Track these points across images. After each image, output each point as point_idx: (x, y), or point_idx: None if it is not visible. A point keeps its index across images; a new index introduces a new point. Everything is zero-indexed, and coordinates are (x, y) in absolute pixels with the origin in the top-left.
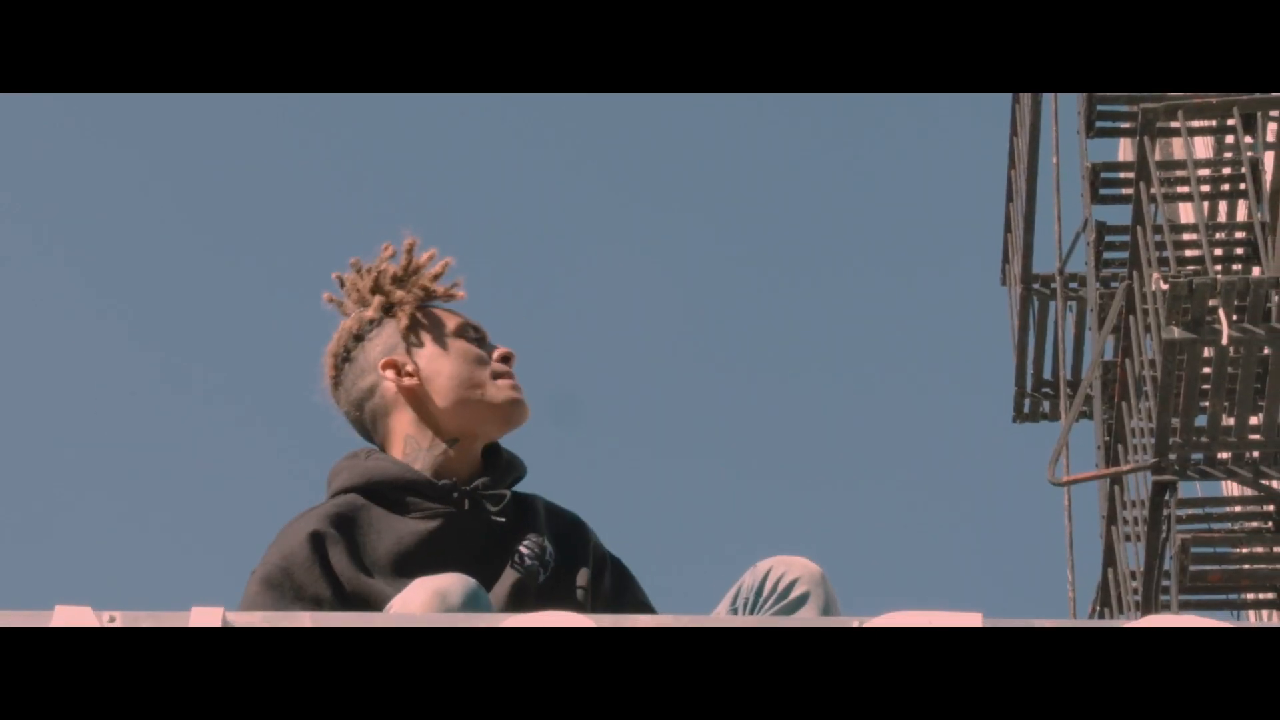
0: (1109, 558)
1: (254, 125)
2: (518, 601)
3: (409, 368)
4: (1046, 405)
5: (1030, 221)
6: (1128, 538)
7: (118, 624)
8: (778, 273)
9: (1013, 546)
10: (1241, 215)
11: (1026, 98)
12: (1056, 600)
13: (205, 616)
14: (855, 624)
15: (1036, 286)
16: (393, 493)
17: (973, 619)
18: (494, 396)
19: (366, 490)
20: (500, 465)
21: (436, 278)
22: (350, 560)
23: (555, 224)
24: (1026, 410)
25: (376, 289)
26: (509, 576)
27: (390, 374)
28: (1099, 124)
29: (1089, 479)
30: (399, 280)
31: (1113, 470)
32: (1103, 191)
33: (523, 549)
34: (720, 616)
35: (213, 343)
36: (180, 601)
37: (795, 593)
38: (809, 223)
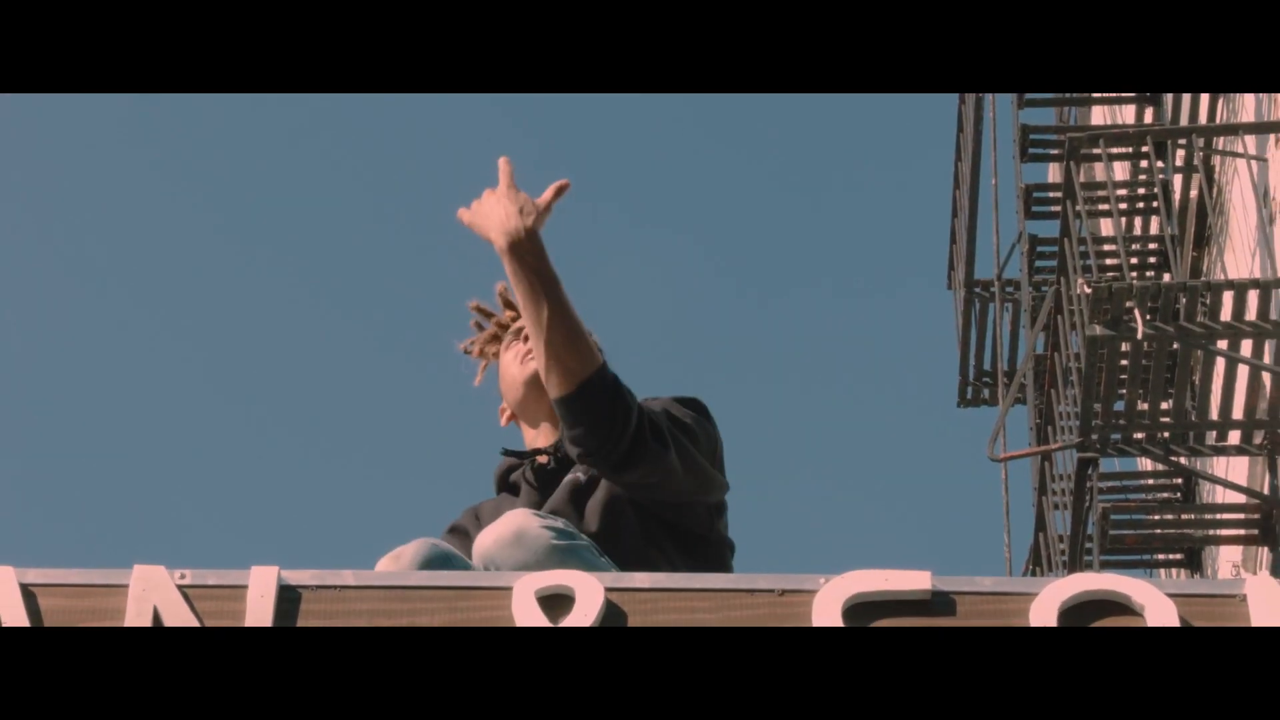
0: (1040, 524)
1: (262, 126)
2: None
3: (506, 383)
4: (986, 392)
5: (972, 234)
6: (1056, 506)
7: (188, 581)
8: (751, 275)
9: (957, 514)
10: (1154, 229)
11: (969, 127)
12: (994, 560)
13: (262, 574)
14: (822, 580)
15: (978, 290)
16: (507, 481)
17: (923, 577)
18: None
19: (499, 485)
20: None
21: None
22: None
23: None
24: (969, 397)
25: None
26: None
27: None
28: (1032, 150)
29: (1023, 456)
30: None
31: (1043, 448)
32: (1035, 208)
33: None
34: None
35: (257, 328)
36: (241, 561)
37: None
38: (782, 231)
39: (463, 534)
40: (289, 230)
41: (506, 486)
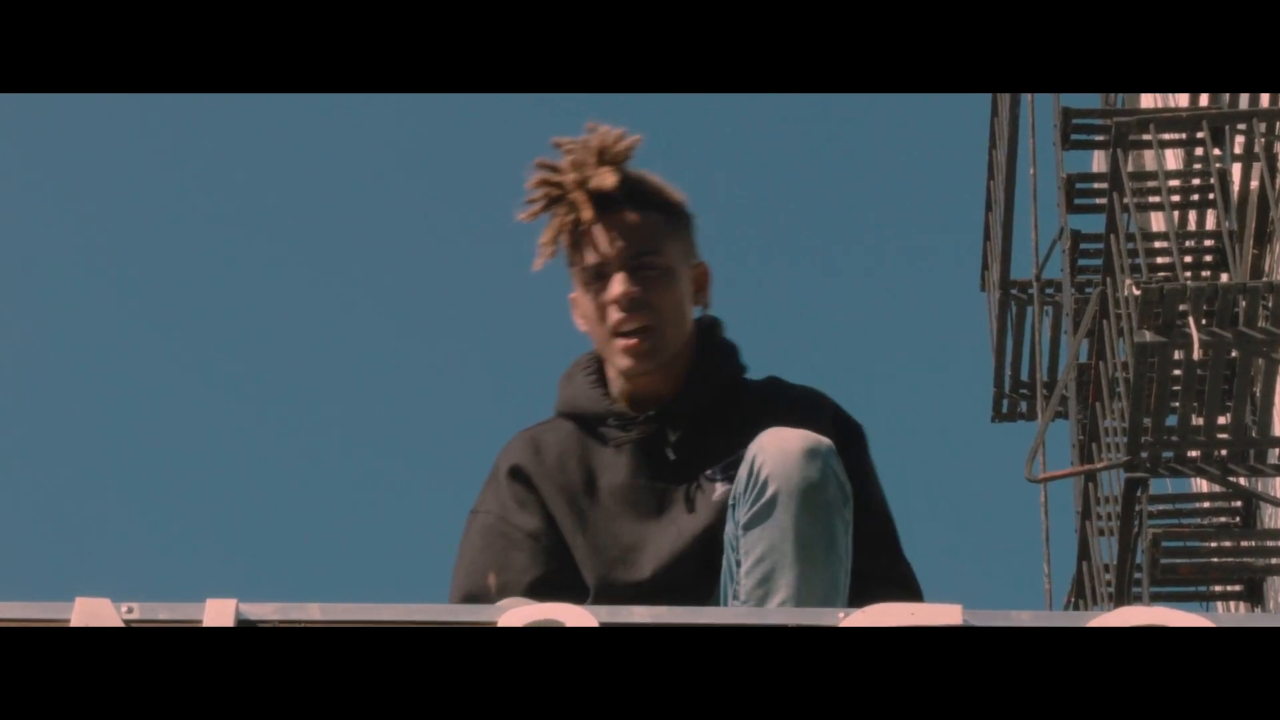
0: (1083, 551)
1: (264, 124)
2: (705, 527)
3: (578, 310)
4: (1024, 405)
5: (1008, 230)
6: (1101, 532)
7: (135, 616)
8: (768, 275)
9: (991, 541)
10: (1210, 224)
11: (1005, 112)
12: (1033, 592)
13: (219, 608)
14: (840, 615)
15: (1014, 292)
16: (590, 423)
17: (953, 611)
18: (617, 364)
19: (571, 417)
20: (700, 376)
21: (573, 212)
22: (553, 489)
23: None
24: (1005, 410)
25: (551, 206)
26: (684, 514)
27: (574, 314)
28: (1074, 137)
29: (1064, 476)
30: (557, 199)
31: (1087, 468)
32: (1077, 201)
33: (704, 479)
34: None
35: (223, 337)
36: (195, 594)
37: (767, 494)
38: (798, 230)
39: (525, 483)
40: (271, 231)
41: (589, 429)
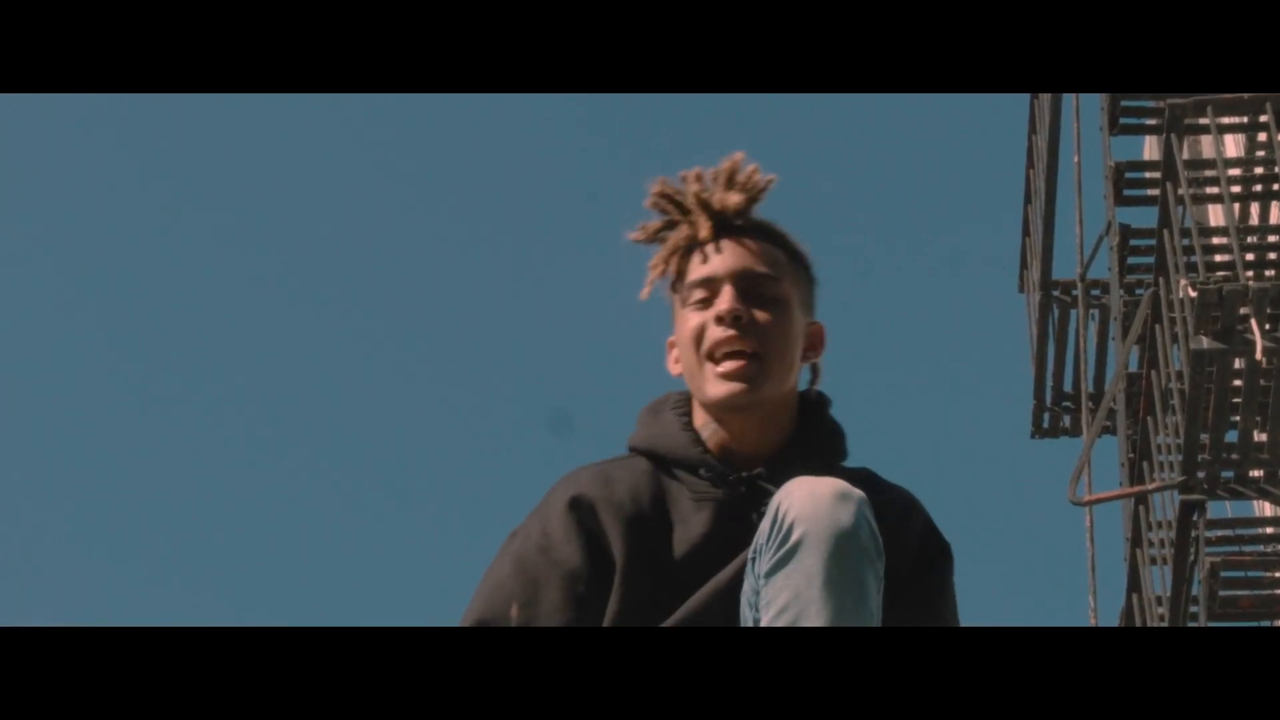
0: (1133, 582)
1: (267, 125)
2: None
3: (674, 352)
4: (1067, 420)
5: (1050, 224)
6: (1153, 560)
7: None
8: None
9: (1031, 569)
10: (1274, 218)
11: (1046, 94)
12: (1078, 625)
13: None
14: None
15: (1056, 293)
16: (671, 467)
17: None
18: (709, 393)
19: (650, 456)
20: (805, 442)
21: (706, 215)
22: (612, 535)
23: (550, 233)
24: (1046, 425)
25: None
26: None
27: (669, 358)
28: (1123, 121)
29: (1112, 498)
30: (676, 220)
31: (1137, 489)
32: (1127, 192)
33: None
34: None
35: (189, 355)
36: (151, 619)
37: (792, 538)
38: (819, 228)
39: (587, 511)
40: (244, 246)
41: (669, 473)
